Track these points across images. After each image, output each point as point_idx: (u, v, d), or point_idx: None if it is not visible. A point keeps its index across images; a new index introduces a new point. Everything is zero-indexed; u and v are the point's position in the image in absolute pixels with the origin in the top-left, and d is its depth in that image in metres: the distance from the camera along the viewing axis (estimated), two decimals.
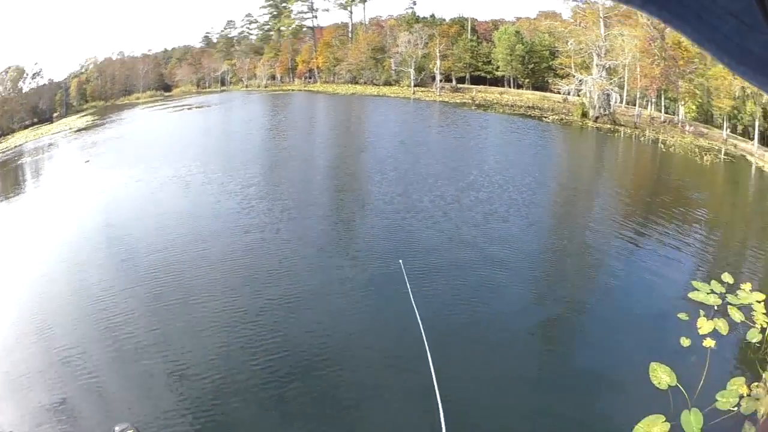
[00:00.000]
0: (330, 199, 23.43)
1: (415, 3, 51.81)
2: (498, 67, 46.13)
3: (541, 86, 43.49)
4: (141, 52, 53.10)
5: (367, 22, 52.87)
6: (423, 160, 27.77)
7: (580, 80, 34.09)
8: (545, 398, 9.59)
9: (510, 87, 45.71)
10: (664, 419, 8.52)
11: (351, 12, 52.46)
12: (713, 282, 13.03)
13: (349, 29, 52.79)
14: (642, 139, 30.29)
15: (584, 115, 33.48)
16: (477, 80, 46.93)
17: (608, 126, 30.61)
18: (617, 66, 33.94)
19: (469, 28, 48.57)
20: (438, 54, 44.81)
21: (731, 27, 0.70)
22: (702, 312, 11.77)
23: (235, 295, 14.16)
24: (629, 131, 30.74)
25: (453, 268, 15.71)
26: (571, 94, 35.50)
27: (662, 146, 29.05)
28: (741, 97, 33.63)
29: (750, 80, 0.73)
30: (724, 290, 12.91)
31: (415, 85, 44.90)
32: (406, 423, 9.35)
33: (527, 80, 44.93)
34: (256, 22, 55.96)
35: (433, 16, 50.57)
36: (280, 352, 11.64)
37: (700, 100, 35.07)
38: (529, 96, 41.97)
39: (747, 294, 13.06)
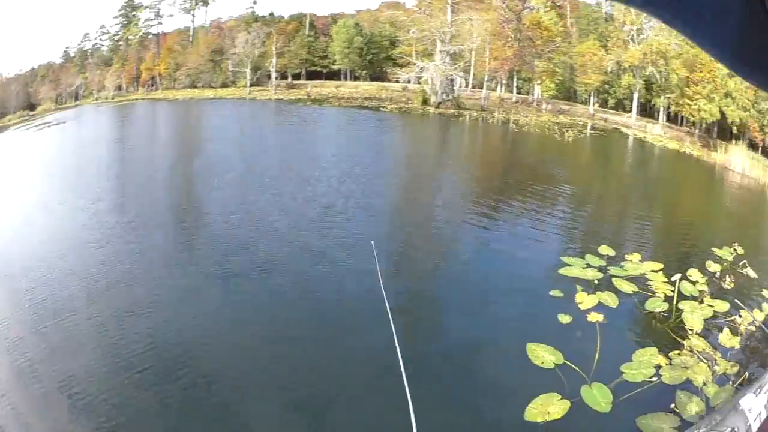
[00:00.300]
0: (171, 207, 22.32)
1: (255, 2, 49.70)
2: (335, 61, 44.39)
3: (379, 77, 41.88)
4: (14, 73, 49.35)
5: (208, 25, 50.61)
6: (258, 159, 26.79)
7: (422, 67, 32.70)
8: (416, 388, 7.68)
9: (347, 80, 43.90)
10: (560, 397, 7.30)
11: (193, 16, 49.94)
12: (588, 256, 11.53)
13: (191, 33, 50.30)
14: (491, 121, 28.95)
15: (425, 102, 32.01)
16: (313, 75, 44.72)
17: (452, 111, 29.53)
18: (463, 51, 32.88)
19: (308, 23, 46.99)
20: (274, 52, 42.49)
21: (731, 27, 0.74)
22: (580, 287, 10.11)
23: (97, 311, 13.45)
24: (476, 114, 29.58)
25: (291, 264, 15.16)
26: (412, 82, 33.98)
27: (514, 126, 27.81)
28: (615, 72, 33.88)
29: (750, 79, 0.78)
30: (604, 263, 11.29)
31: (251, 85, 42.43)
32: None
33: (364, 72, 43.28)
34: (108, 32, 52.61)
35: (272, 14, 48.74)
36: (146, 364, 11.08)
37: (560, 78, 34.88)
38: (366, 87, 40.55)
39: (637, 264, 12.00)
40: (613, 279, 10.96)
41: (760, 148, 37.64)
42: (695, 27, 0.74)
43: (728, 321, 10.75)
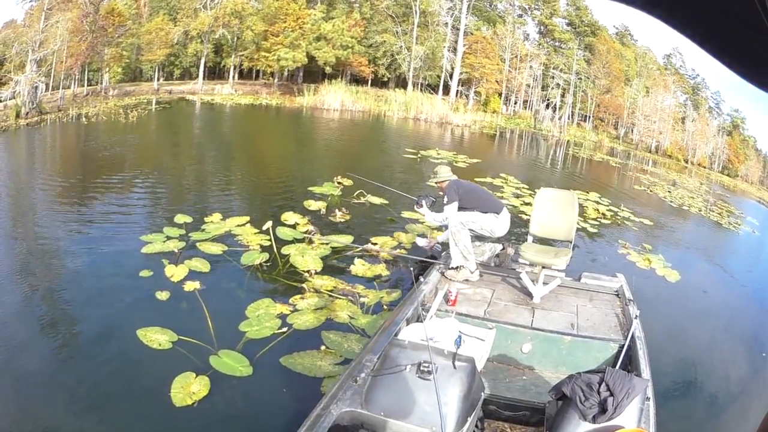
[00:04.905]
0: None
1: None
2: None
3: None
4: None
5: None
6: None
7: (17, 81, 30.20)
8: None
9: None
10: (195, 375, 6.42)
11: None
12: (166, 228, 10.72)
13: None
14: (66, 120, 26.94)
15: (18, 115, 29.59)
16: None
17: (36, 118, 27.43)
18: (47, 55, 30.71)
19: None
20: None
21: (732, 27, 0.74)
22: (166, 261, 9.57)
23: None
24: (54, 116, 27.71)
25: None
26: (10, 98, 31.34)
27: (85, 120, 26.35)
28: (182, 42, 34.31)
29: (750, 80, 0.78)
30: (183, 231, 10.70)
31: None
32: None
33: None
34: None
35: None
36: None
37: (127, 61, 34.27)
38: None
39: (219, 224, 11.25)
40: (197, 244, 10.20)
41: (370, 81, 39.95)
42: (696, 28, 0.74)
43: (359, 251, 10.55)
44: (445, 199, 8.05)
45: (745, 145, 41.90)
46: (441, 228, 9.51)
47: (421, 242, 9.33)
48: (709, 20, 0.74)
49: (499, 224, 7.96)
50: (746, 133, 42.16)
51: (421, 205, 8.66)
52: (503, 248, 8.80)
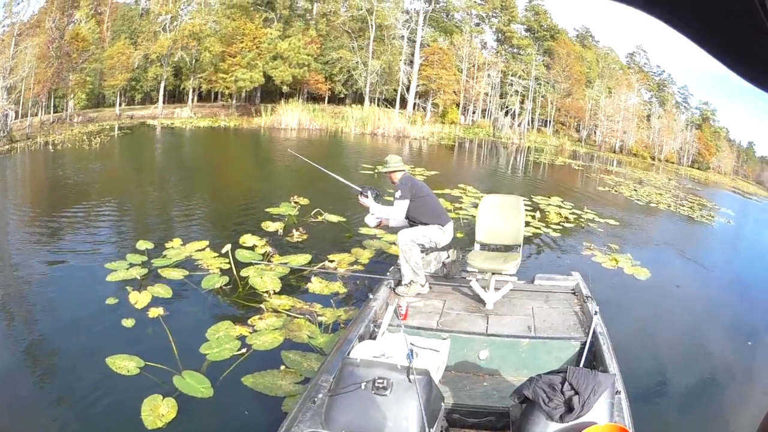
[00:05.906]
0: None
1: None
2: None
3: None
4: None
5: None
6: None
7: None
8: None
9: None
10: (162, 397, 6.53)
11: None
12: (129, 255, 10.87)
13: None
14: (34, 148, 26.75)
15: None
16: None
17: (6, 147, 27.12)
18: (17, 82, 30.46)
19: None
20: None
21: (731, 28, 0.76)
22: (130, 288, 9.66)
23: None
24: (23, 144, 27.46)
25: None
26: None
27: (51, 148, 26.35)
28: (142, 66, 34.41)
29: (750, 80, 0.78)
30: (145, 258, 10.84)
31: None
32: None
33: None
34: None
35: None
36: None
37: (90, 86, 34.10)
38: None
39: (179, 249, 11.46)
40: (160, 270, 10.33)
41: (327, 98, 40.05)
42: (696, 28, 0.75)
43: (319, 269, 10.64)
44: (398, 194, 7.80)
45: (716, 137, 42.39)
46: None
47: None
48: (709, 20, 0.76)
49: (443, 236, 7.91)
50: (717, 125, 42.75)
51: (366, 196, 8.27)
52: (448, 256, 8.72)
